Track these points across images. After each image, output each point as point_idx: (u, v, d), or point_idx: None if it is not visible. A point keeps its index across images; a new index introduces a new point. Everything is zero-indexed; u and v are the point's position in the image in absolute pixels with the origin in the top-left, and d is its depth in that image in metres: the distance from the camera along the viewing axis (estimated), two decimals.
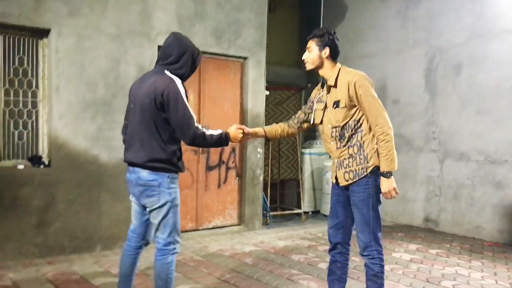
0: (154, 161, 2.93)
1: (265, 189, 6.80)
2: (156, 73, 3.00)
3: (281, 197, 8.12)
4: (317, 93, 3.36)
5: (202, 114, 5.96)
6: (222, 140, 3.09)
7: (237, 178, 6.36)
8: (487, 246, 5.83)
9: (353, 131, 3.10)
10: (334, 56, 3.18)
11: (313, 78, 8.26)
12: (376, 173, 3.08)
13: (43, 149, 4.97)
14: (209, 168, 6.07)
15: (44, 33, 4.89)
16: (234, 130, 3.21)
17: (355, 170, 3.09)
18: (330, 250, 3.36)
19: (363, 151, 3.09)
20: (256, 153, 6.40)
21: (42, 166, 4.85)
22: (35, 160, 4.86)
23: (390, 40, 7.44)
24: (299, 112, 3.49)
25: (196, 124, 2.93)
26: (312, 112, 3.39)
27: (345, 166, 3.13)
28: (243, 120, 6.31)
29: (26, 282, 4.04)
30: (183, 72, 3.04)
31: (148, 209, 3.04)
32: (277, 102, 7.97)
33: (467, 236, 6.32)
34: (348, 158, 3.12)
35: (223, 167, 6.23)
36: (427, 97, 6.92)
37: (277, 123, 3.56)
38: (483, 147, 6.22)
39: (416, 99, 7.06)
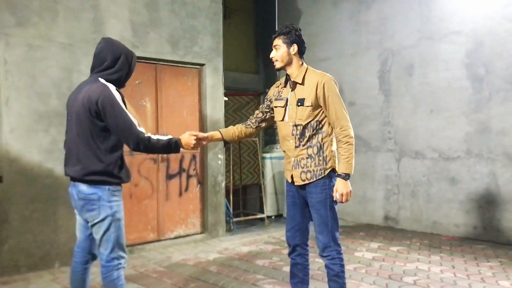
0: (91, 174, 2.83)
1: (227, 196, 6.77)
2: (90, 82, 2.91)
3: (244, 203, 8.11)
4: (276, 90, 3.35)
5: (160, 123, 5.88)
6: (171, 146, 2.98)
7: (199, 185, 6.30)
8: (444, 240, 6.01)
9: (314, 131, 3.11)
10: (301, 52, 3.18)
11: (270, 83, 8.31)
12: (332, 175, 3.12)
13: None
14: (169, 176, 5.99)
15: None
16: (187, 137, 3.10)
17: (313, 170, 3.11)
18: (289, 253, 3.36)
19: (323, 152, 3.12)
20: (217, 159, 6.37)
21: None
22: None
23: (344, 43, 7.59)
24: (257, 111, 3.46)
25: (139, 128, 2.84)
26: (269, 111, 3.40)
27: (302, 166, 3.14)
28: (202, 127, 6.27)
29: None
30: (119, 76, 2.95)
31: (89, 224, 2.94)
32: (236, 108, 7.97)
33: (426, 232, 6.50)
34: (307, 158, 3.13)
35: (184, 175, 6.15)
36: (382, 98, 7.09)
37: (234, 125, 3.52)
38: (437, 144, 6.43)
39: (372, 100, 7.22)
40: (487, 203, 5.92)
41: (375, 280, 4.37)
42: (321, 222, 3.12)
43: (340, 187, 3.05)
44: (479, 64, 6.00)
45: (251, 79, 8.41)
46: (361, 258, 5.19)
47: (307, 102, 3.09)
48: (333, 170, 3.13)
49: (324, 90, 3.06)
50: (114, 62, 2.93)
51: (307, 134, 3.12)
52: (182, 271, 4.75)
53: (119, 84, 2.97)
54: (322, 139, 3.12)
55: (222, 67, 6.48)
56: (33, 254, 4.79)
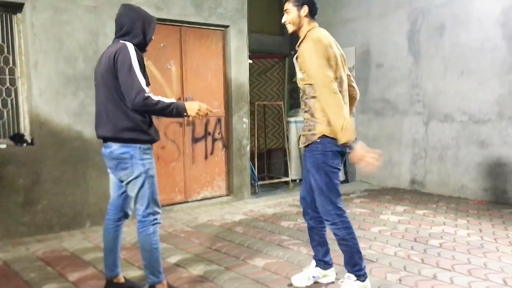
0: (122, 131, 2.91)
1: (252, 159, 6.80)
2: (112, 45, 3.00)
3: (268, 167, 8.14)
4: None
5: (185, 86, 5.89)
6: (172, 110, 2.93)
7: (224, 149, 6.34)
8: (472, 204, 5.94)
9: (308, 96, 3.07)
10: (313, 13, 3.10)
11: (296, 45, 8.17)
12: (324, 140, 3.00)
13: (24, 127, 4.88)
14: (195, 140, 6.04)
15: (17, 7, 4.74)
16: (194, 103, 3.02)
17: (306, 135, 3.12)
18: (303, 216, 3.39)
19: (314, 117, 3.05)
20: (242, 123, 6.37)
21: (25, 145, 4.77)
22: (17, 138, 4.78)
23: (372, 3, 7.36)
24: None
25: (145, 88, 2.83)
26: None
27: (303, 129, 3.19)
28: (227, 91, 6.26)
29: (17, 261, 4.02)
30: (139, 41, 3.01)
31: (124, 183, 3.04)
32: (261, 71, 7.89)
33: (453, 196, 6.43)
34: (305, 123, 3.15)
35: (209, 139, 6.20)
36: (411, 59, 6.90)
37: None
38: (467, 107, 6.27)
39: (400, 62, 7.04)
40: None
41: (401, 243, 4.37)
42: (316, 186, 3.09)
43: (354, 159, 2.88)
44: None
45: (276, 41, 8.27)
46: (387, 221, 5.19)
47: (297, 66, 3.08)
48: (324, 136, 3.00)
49: (304, 53, 2.98)
50: (131, 28, 2.99)
51: (304, 98, 3.11)
52: (209, 231, 4.85)
53: (140, 48, 3.02)
54: (314, 104, 3.04)
55: (247, 28, 6.39)
56: (65, 214, 4.95)
